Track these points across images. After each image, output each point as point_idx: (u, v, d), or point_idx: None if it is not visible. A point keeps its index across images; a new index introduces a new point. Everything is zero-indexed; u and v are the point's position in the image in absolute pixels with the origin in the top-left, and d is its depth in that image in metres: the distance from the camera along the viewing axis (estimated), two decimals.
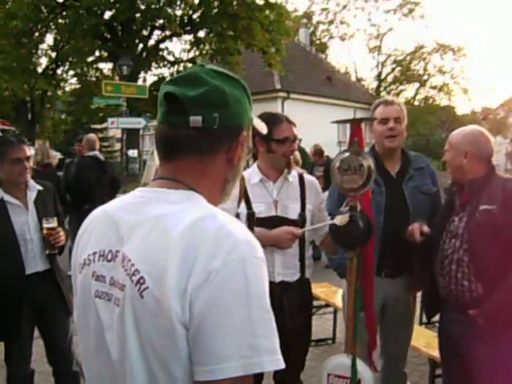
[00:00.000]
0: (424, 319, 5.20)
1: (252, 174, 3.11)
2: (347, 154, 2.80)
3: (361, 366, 2.85)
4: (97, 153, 8.15)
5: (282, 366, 1.18)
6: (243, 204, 3.01)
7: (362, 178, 2.72)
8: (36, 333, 3.72)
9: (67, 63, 24.38)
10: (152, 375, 1.22)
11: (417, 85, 40.83)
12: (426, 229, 3.14)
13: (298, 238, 3.04)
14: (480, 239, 2.85)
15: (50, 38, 41.57)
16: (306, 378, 3.68)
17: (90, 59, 23.90)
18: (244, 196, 3.01)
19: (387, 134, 3.41)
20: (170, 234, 1.21)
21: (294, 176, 3.18)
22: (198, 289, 1.15)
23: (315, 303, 5.98)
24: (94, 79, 25.05)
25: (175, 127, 1.33)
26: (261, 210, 3.04)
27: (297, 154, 8.66)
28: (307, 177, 3.27)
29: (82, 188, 7.90)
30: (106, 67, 25.92)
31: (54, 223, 3.54)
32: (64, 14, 22.03)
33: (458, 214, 3.03)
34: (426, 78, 40.46)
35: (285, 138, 2.98)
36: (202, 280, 1.15)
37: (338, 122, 3.11)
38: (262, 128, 1.57)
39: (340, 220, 2.75)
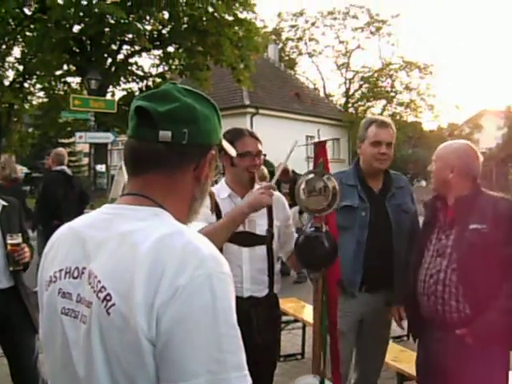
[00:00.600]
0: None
1: (220, 189, 3.11)
2: (312, 176, 2.83)
3: None
4: (64, 167, 8.07)
5: (249, 381, 1.19)
6: (214, 218, 3.01)
7: (327, 200, 2.76)
8: None
9: (35, 76, 24.14)
10: None
11: (384, 101, 41.33)
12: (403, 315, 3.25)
13: (266, 254, 3.06)
14: (470, 259, 2.79)
15: (17, 51, 41.03)
16: None
17: (58, 73, 23.66)
18: (216, 210, 3.02)
19: (378, 157, 3.44)
20: (137, 251, 1.21)
21: None
22: (165, 305, 1.15)
23: (284, 318, 5.97)
24: (61, 93, 24.78)
25: (144, 141, 1.34)
26: None
27: (264, 169, 8.68)
28: (274, 193, 3.29)
29: (49, 203, 7.82)
30: (75, 81, 25.68)
31: (18, 239, 3.49)
32: (32, 26, 21.87)
33: (444, 232, 2.96)
34: (393, 94, 40.97)
35: (246, 152, 2.97)
36: (169, 296, 1.15)
37: (302, 145, 3.14)
38: (231, 151, 1.60)
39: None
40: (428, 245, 3.02)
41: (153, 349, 1.17)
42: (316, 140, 3.00)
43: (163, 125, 1.31)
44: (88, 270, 1.29)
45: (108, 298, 1.21)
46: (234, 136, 2.95)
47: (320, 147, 2.93)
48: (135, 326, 1.16)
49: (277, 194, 3.33)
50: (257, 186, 3.19)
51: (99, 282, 1.24)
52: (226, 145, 1.54)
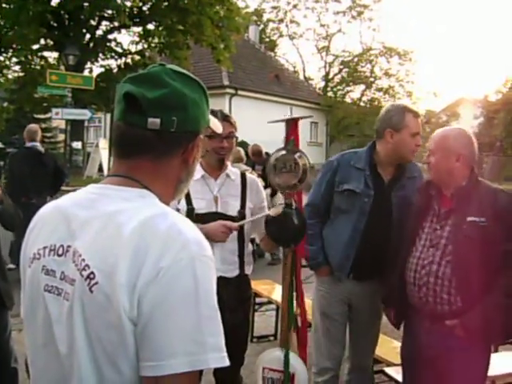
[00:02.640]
0: None
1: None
2: (283, 152, 2.84)
3: (294, 359, 2.89)
4: (36, 144, 7.93)
5: (227, 363, 1.21)
6: (183, 200, 3.03)
7: (297, 177, 2.77)
8: None
9: (10, 50, 23.68)
10: (99, 371, 1.23)
11: (363, 86, 41.41)
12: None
13: (238, 235, 3.08)
14: (466, 252, 2.73)
15: None
16: (247, 373, 3.70)
17: (35, 47, 23.24)
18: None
19: (415, 149, 3.33)
20: (121, 231, 1.22)
21: (235, 174, 3.22)
22: (147, 286, 1.17)
23: (257, 300, 6.04)
24: (38, 68, 24.38)
25: (132, 127, 1.33)
26: (201, 205, 3.07)
27: (241, 150, 8.70)
28: (249, 175, 3.31)
29: (15, 180, 7.75)
30: (52, 56, 25.31)
31: None
32: None
33: (439, 222, 2.89)
34: (372, 79, 41.05)
35: (215, 134, 2.92)
36: (152, 277, 1.17)
37: (274, 121, 3.14)
38: (218, 128, 1.60)
39: (274, 211, 2.81)
40: (420, 233, 2.95)
41: (134, 328, 1.18)
42: (288, 117, 2.99)
43: (152, 112, 1.31)
44: (73, 248, 1.29)
45: (91, 276, 1.22)
46: None
47: (292, 125, 2.94)
48: (117, 305, 1.17)
49: (252, 176, 3.35)
50: (232, 169, 3.20)
51: (83, 260, 1.25)
52: (212, 123, 1.53)
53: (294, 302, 3.05)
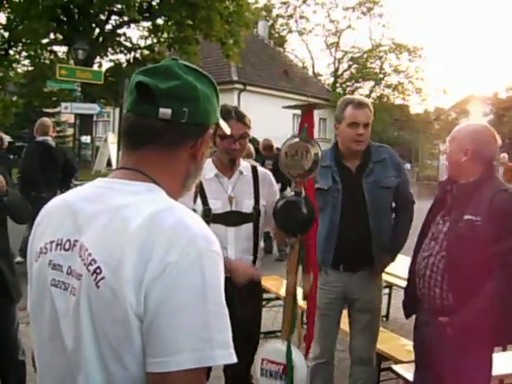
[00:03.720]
0: None
1: (207, 168, 3.10)
2: (295, 140, 2.82)
3: (294, 353, 2.88)
4: (47, 138, 7.89)
5: (234, 360, 1.20)
6: (199, 200, 3.04)
7: (308, 164, 2.75)
8: None
9: (20, 44, 23.74)
10: (106, 366, 1.22)
11: (372, 83, 41.27)
12: None
13: (253, 234, 3.12)
14: (458, 249, 2.73)
15: (2, 17, 40.46)
16: (252, 368, 3.70)
17: (45, 41, 23.31)
18: (200, 192, 3.03)
19: (355, 138, 3.43)
20: (128, 226, 1.21)
21: (247, 169, 3.20)
22: (154, 281, 1.16)
23: (265, 296, 6.02)
24: (47, 62, 24.43)
25: (143, 117, 1.33)
26: (217, 206, 3.07)
27: (250, 146, 8.69)
28: (260, 169, 3.29)
29: (26, 175, 7.77)
30: (61, 50, 25.38)
31: None
32: None
33: (443, 217, 2.91)
34: (381, 76, 40.91)
35: (227, 135, 2.92)
36: (158, 272, 1.16)
37: (289, 107, 3.12)
38: (227, 129, 1.59)
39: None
40: (432, 226, 2.98)
41: (140, 324, 1.18)
42: (305, 102, 2.96)
43: (164, 102, 1.31)
44: (79, 242, 1.29)
45: (98, 271, 1.21)
46: (222, 116, 2.93)
47: (308, 112, 2.90)
48: (124, 300, 1.17)
49: (263, 170, 3.33)
50: (243, 164, 3.19)
51: (90, 254, 1.24)
52: (222, 123, 1.53)
53: (299, 295, 3.02)
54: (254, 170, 3.23)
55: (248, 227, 3.11)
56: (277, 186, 3.43)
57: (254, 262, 3.17)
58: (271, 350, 2.95)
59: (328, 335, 3.68)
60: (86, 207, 1.32)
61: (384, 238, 3.54)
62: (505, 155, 16.84)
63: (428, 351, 2.93)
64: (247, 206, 3.11)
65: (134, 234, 1.20)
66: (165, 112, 1.31)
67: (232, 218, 3.05)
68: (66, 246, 1.31)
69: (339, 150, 3.58)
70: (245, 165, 3.22)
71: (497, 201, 2.70)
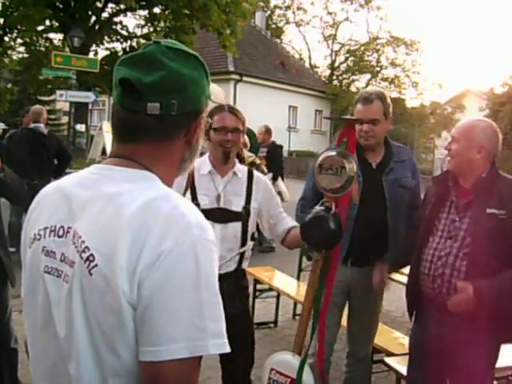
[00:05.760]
0: None
1: (202, 164, 3.11)
2: (332, 153, 2.68)
3: (306, 371, 2.81)
4: (39, 125, 7.83)
5: (228, 349, 1.19)
6: (188, 194, 3.03)
7: (341, 181, 2.61)
8: None
9: (15, 31, 23.58)
10: (98, 355, 1.22)
11: (369, 76, 41.21)
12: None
13: (241, 234, 3.08)
14: (484, 245, 2.69)
15: None
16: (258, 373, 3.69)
17: (40, 28, 23.18)
18: (191, 186, 3.03)
19: (361, 134, 3.39)
20: (122, 213, 1.21)
21: (243, 172, 3.17)
22: (148, 269, 1.15)
23: (258, 287, 6.04)
24: (43, 49, 24.32)
25: (132, 112, 1.30)
26: (205, 202, 3.05)
27: (245, 137, 8.63)
28: (256, 174, 3.25)
29: (12, 161, 7.70)
30: (57, 38, 25.21)
31: None
32: None
33: (458, 214, 2.87)
34: (378, 69, 40.83)
35: (221, 127, 2.99)
36: (152, 260, 1.15)
37: (329, 118, 3.10)
38: (219, 93, 1.56)
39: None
40: (437, 224, 2.94)
41: (133, 312, 1.17)
42: (347, 117, 2.88)
43: (151, 96, 1.27)
44: (73, 229, 1.28)
45: (91, 258, 1.21)
46: (214, 110, 2.98)
47: (348, 125, 2.78)
48: (116, 288, 1.16)
49: (259, 174, 3.29)
50: (240, 167, 3.16)
51: (83, 242, 1.23)
52: (213, 94, 1.49)
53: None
54: (250, 173, 3.20)
55: (235, 226, 3.06)
56: (273, 189, 3.40)
57: (241, 260, 3.14)
58: (282, 360, 2.89)
59: (329, 330, 3.60)
60: (80, 193, 1.30)
61: (399, 238, 3.45)
62: None
63: (437, 348, 2.90)
64: (236, 205, 3.07)
65: (127, 222, 1.19)
66: (153, 107, 1.27)
67: (219, 215, 3.02)
68: (60, 233, 1.30)
69: (360, 144, 3.48)
70: (241, 168, 3.19)
71: None
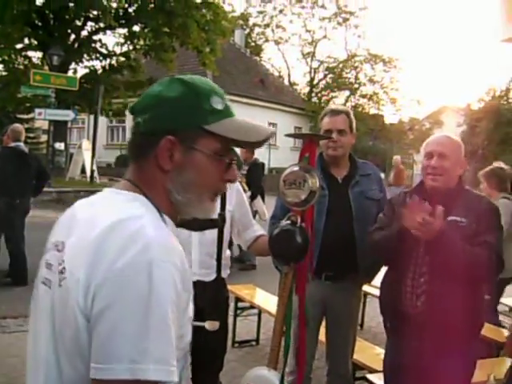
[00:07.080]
0: None
1: None
2: (295, 169, 2.77)
3: None
4: (20, 144, 7.75)
5: (173, 378, 1.16)
6: None
7: (304, 194, 2.69)
8: None
9: None
10: (59, 366, 1.25)
11: (347, 92, 41.59)
12: None
13: (217, 238, 3.13)
14: (441, 249, 2.74)
15: None
16: (229, 379, 3.69)
17: (19, 46, 23.05)
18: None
19: (329, 145, 3.51)
20: (93, 231, 1.23)
21: None
22: (101, 286, 1.16)
23: (239, 305, 6.01)
24: (21, 67, 24.16)
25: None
26: None
27: None
28: None
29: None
30: (36, 56, 25.08)
31: None
32: None
33: None
34: (356, 86, 41.26)
35: None
36: (106, 277, 1.16)
37: (291, 135, 3.17)
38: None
39: (209, 325, 2.82)
40: (419, 242, 2.87)
41: (87, 324, 1.18)
42: (308, 132, 2.97)
43: (135, 115, 1.38)
44: (65, 244, 1.32)
45: (63, 271, 1.25)
46: None
47: (308, 141, 2.88)
48: (73, 300, 1.19)
49: None
50: None
51: (62, 255, 1.28)
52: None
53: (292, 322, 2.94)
54: None
55: (212, 232, 3.11)
56: (245, 195, 3.43)
57: (219, 268, 3.16)
58: (258, 375, 2.87)
59: (307, 347, 3.60)
60: (80, 213, 1.37)
61: (366, 247, 3.46)
62: (398, 157, 17.18)
63: (416, 366, 2.88)
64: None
65: (93, 239, 1.22)
66: (132, 125, 1.38)
67: (195, 223, 3.01)
68: (59, 248, 1.33)
69: (324, 159, 3.63)
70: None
71: (484, 204, 2.93)
